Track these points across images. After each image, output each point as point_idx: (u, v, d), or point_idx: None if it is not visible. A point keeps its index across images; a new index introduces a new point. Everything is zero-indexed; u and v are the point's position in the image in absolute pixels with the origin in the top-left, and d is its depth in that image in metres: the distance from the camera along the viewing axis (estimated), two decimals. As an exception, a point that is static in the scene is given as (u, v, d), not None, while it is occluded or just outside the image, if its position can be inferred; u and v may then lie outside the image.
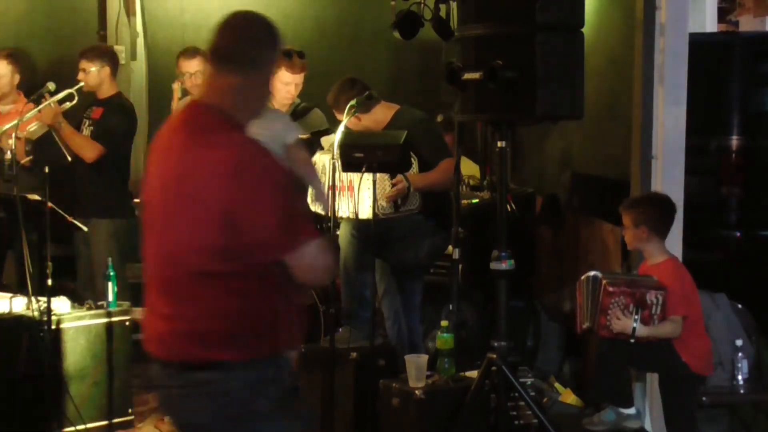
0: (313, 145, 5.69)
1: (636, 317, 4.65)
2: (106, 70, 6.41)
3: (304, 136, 5.78)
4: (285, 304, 3.05)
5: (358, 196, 5.27)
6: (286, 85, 5.85)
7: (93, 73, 6.34)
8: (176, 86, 6.44)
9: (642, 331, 4.67)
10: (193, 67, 6.41)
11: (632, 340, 4.69)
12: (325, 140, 5.74)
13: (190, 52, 6.48)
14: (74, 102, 6.05)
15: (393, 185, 5.37)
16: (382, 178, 5.31)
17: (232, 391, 2.96)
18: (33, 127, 5.84)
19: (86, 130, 6.39)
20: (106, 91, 6.45)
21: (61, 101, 5.96)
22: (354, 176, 5.29)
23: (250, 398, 2.97)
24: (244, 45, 3.03)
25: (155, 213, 3.05)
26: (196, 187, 2.92)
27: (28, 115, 5.85)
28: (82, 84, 6.19)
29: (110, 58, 6.50)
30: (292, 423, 3.05)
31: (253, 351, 2.99)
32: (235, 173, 2.89)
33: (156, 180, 3.06)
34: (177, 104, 6.43)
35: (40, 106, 5.79)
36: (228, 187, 2.88)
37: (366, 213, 5.32)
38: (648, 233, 4.88)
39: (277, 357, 3.04)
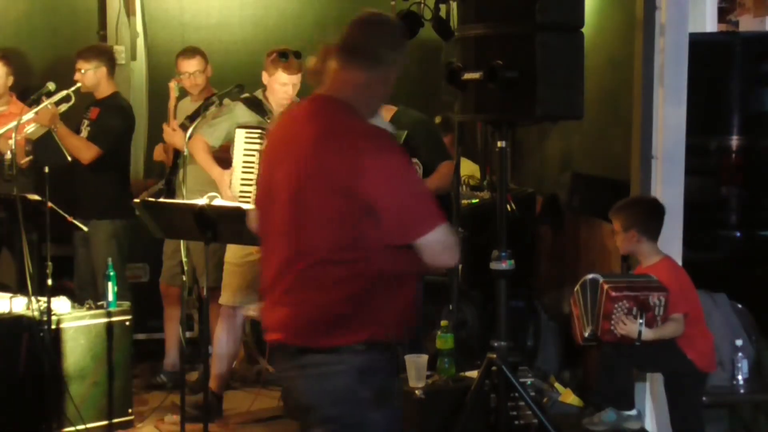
0: None
1: (641, 321, 4.65)
2: (103, 70, 6.41)
3: None
4: (401, 295, 3.15)
5: None
6: (283, 85, 5.84)
7: (90, 74, 6.33)
8: (173, 85, 6.42)
9: (648, 334, 4.67)
10: (191, 67, 6.41)
11: (637, 343, 4.69)
12: None
13: (189, 51, 6.48)
14: (71, 103, 6.04)
15: None
16: None
17: (340, 374, 3.07)
18: (30, 129, 5.84)
19: (84, 131, 6.39)
20: (104, 91, 6.45)
21: (58, 102, 5.95)
22: None
23: (356, 384, 3.07)
24: (369, 42, 3.15)
25: (281, 205, 3.12)
26: (332, 177, 3.01)
27: (26, 117, 5.83)
28: (79, 85, 6.18)
29: (107, 57, 6.49)
30: (390, 414, 3.15)
31: (366, 337, 3.08)
32: (372, 161, 3.00)
33: (281, 172, 3.13)
34: (173, 103, 6.42)
35: (37, 108, 5.78)
36: (366, 175, 2.98)
37: None
38: (638, 236, 4.89)
39: (387, 346, 3.15)
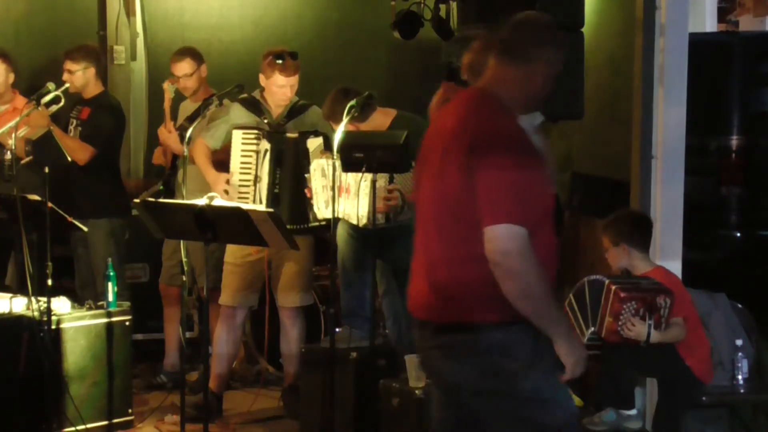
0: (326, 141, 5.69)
1: (650, 322, 4.65)
2: (91, 70, 6.41)
3: (292, 135, 5.80)
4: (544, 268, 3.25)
5: (357, 201, 5.25)
6: (280, 87, 5.82)
7: (78, 74, 6.33)
8: (166, 86, 6.41)
9: (655, 336, 4.67)
10: (181, 70, 6.36)
11: (643, 345, 4.68)
12: (311, 142, 5.71)
13: (179, 54, 6.43)
14: (61, 104, 6.03)
15: (387, 199, 5.33)
16: (380, 188, 5.26)
17: (482, 351, 3.20)
18: (23, 132, 5.82)
19: (74, 131, 6.39)
20: (92, 90, 6.45)
21: (48, 104, 5.93)
22: (352, 180, 5.26)
23: (500, 359, 3.19)
24: (520, 41, 3.34)
25: (426, 191, 3.35)
26: (461, 160, 3.18)
27: (11, 123, 5.78)
28: (67, 85, 6.16)
29: (95, 58, 6.49)
30: (545, 379, 3.24)
31: (504, 314, 3.17)
32: (491, 143, 3.18)
33: (431, 159, 3.34)
34: (168, 104, 6.40)
35: (26, 112, 5.76)
36: (481, 154, 3.15)
37: (359, 221, 5.32)
38: (628, 248, 4.89)
39: (528, 321, 3.20)
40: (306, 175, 5.65)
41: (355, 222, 5.36)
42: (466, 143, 3.19)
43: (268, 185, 5.75)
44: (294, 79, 5.84)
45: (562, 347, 3.19)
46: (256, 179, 5.78)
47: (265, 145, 5.77)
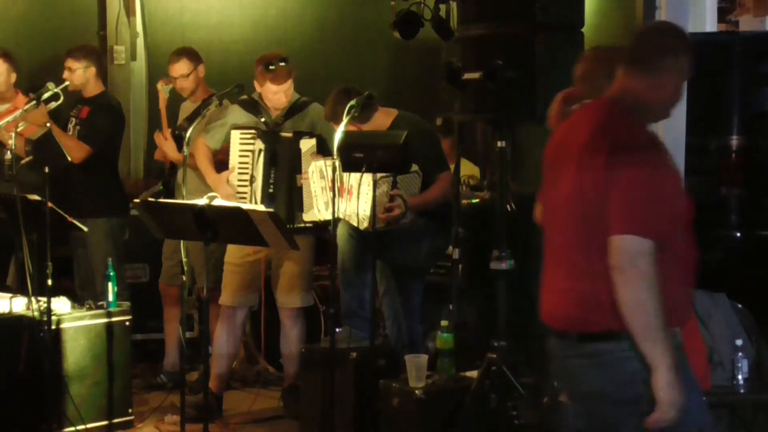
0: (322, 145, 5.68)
1: None
2: (92, 69, 6.42)
3: (287, 135, 5.78)
4: (680, 281, 3.27)
5: (357, 204, 5.24)
6: (274, 94, 5.81)
7: (78, 72, 6.35)
8: (160, 86, 6.39)
9: None
10: (177, 70, 6.34)
11: None
12: (303, 143, 5.70)
13: (176, 54, 6.41)
14: (60, 102, 6.03)
15: (388, 209, 5.31)
16: (381, 192, 5.25)
17: (625, 360, 3.19)
18: (21, 128, 5.82)
19: (73, 130, 6.40)
20: (92, 90, 6.46)
21: (47, 101, 5.93)
22: (354, 182, 5.24)
23: (642, 368, 3.16)
24: (645, 51, 3.34)
25: (560, 198, 3.35)
26: (595, 167, 3.21)
27: (12, 117, 5.79)
28: (67, 83, 6.17)
29: (96, 57, 6.51)
30: (686, 394, 3.21)
31: None
32: (627, 153, 3.19)
33: (562, 167, 3.36)
34: (164, 105, 6.39)
35: (25, 107, 5.76)
36: (616, 163, 3.18)
37: (360, 223, 5.31)
38: None
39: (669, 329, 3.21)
40: (297, 176, 5.65)
41: (356, 224, 5.35)
42: (602, 152, 3.21)
43: (262, 185, 5.76)
44: (287, 85, 5.80)
45: (661, 381, 3.13)
46: (252, 179, 5.79)
47: (260, 144, 5.77)
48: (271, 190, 5.75)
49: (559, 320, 3.36)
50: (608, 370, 3.25)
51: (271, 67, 5.70)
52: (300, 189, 5.67)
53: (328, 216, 5.26)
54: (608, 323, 3.20)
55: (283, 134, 5.78)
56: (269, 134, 5.80)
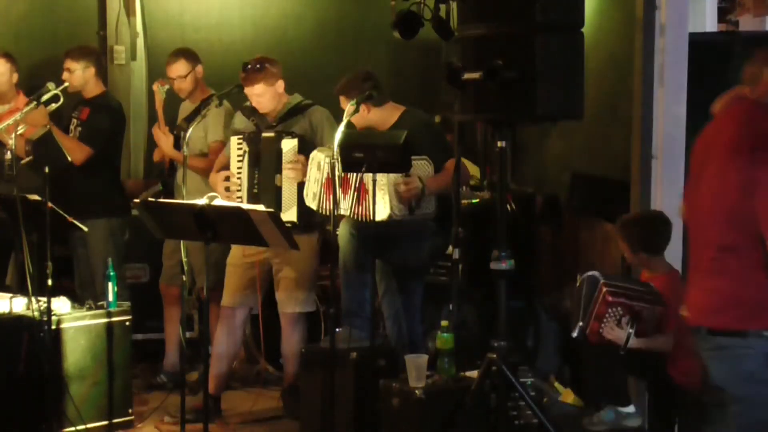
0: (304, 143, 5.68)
1: (630, 330, 4.65)
2: (91, 70, 6.42)
3: (267, 135, 5.77)
4: None
5: (374, 198, 5.22)
6: (253, 96, 5.79)
7: (77, 73, 6.35)
8: (156, 87, 6.37)
9: (634, 342, 4.66)
10: (174, 71, 6.33)
11: (622, 353, 4.68)
12: (285, 143, 5.67)
13: (173, 55, 6.39)
14: (60, 103, 6.02)
15: (405, 184, 5.28)
16: (397, 178, 5.24)
17: (748, 358, 3.36)
18: (22, 130, 5.82)
19: (75, 131, 6.39)
20: (92, 90, 6.46)
21: (47, 102, 5.93)
22: (367, 178, 5.21)
23: (763, 367, 3.33)
24: None
25: (705, 199, 3.49)
26: (740, 168, 3.34)
27: (13, 118, 5.79)
28: (66, 84, 6.17)
29: (95, 58, 6.51)
30: None
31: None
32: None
33: (709, 166, 3.47)
34: (161, 105, 6.37)
35: (25, 110, 5.76)
36: (760, 164, 3.30)
37: (382, 215, 5.28)
38: (647, 256, 4.91)
39: None
40: (277, 175, 5.63)
41: (379, 218, 5.27)
42: (745, 152, 3.31)
43: (248, 186, 5.75)
44: (259, 88, 5.71)
45: None
46: (241, 182, 5.80)
47: (245, 147, 5.78)
48: (255, 191, 5.74)
49: (697, 316, 3.51)
50: (729, 365, 3.41)
51: (243, 70, 5.70)
52: (279, 188, 5.65)
53: (313, 205, 5.29)
54: (732, 322, 3.35)
55: (264, 135, 5.77)
56: (252, 136, 5.80)
